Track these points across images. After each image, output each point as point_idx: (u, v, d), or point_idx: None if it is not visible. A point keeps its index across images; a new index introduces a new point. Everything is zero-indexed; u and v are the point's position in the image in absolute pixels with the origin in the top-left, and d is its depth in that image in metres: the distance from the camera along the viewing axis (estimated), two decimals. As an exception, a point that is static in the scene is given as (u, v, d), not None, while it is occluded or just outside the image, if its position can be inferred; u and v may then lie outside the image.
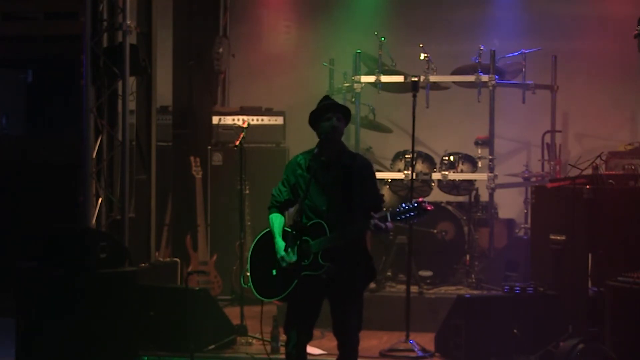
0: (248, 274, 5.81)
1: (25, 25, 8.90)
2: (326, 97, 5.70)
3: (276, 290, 5.60)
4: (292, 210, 5.75)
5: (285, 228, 5.64)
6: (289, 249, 5.46)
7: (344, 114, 5.58)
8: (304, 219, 5.54)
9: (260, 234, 5.78)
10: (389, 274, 8.85)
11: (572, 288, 7.11)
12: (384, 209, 5.45)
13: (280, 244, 5.55)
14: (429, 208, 5.27)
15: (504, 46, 9.44)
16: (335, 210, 5.50)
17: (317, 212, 5.53)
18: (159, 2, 9.03)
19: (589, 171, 7.20)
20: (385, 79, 9.15)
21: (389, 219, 5.32)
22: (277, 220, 5.66)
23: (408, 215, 5.29)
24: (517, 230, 9.89)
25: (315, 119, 5.58)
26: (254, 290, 5.70)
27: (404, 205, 5.32)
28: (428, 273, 8.85)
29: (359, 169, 5.59)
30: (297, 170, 5.65)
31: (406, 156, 8.96)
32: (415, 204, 5.28)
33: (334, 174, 5.55)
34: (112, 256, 6.93)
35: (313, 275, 5.46)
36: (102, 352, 6.72)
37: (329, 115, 5.51)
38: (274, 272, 5.58)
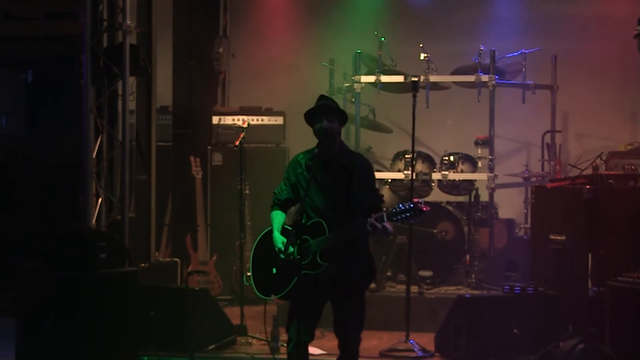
0: (249, 273, 5.82)
1: (25, 25, 8.89)
2: (320, 97, 5.67)
3: (276, 289, 5.60)
4: (293, 209, 5.75)
5: (286, 226, 5.64)
6: (289, 245, 5.45)
7: (335, 114, 5.55)
8: (304, 218, 5.54)
9: (262, 233, 5.79)
10: (389, 274, 8.85)
11: (572, 288, 7.11)
12: (384, 209, 5.44)
13: (278, 237, 5.56)
14: (424, 209, 5.26)
15: (504, 46, 9.44)
16: (335, 210, 5.50)
17: (317, 211, 5.54)
18: (159, 2, 9.03)
19: (589, 171, 7.20)
20: (385, 79, 9.15)
21: (385, 219, 5.32)
22: (277, 217, 5.68)
23: (404, 215, 5.28)
24: (517, 230, 9.88)
25: (309, 121, 5.59)
26: (254, 288, 5.71)
27: (400, 205, 5.31)
28: (428, 273, 8.86)
29: (358, 169, 5.58)
30: (297, 169, 5.66)
31: (406, 156, 8.96)
32: (411, 205, 5.27)
33: (333, 173, 5.55)
34: (112, 256, 6.92)
35: (312, 275, 5.45)
36: (102, 352, 6.71)
37: (319, 118, 5.51)
38: (274, 270, 5.59)
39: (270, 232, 5.68)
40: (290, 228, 5.59)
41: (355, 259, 5.55)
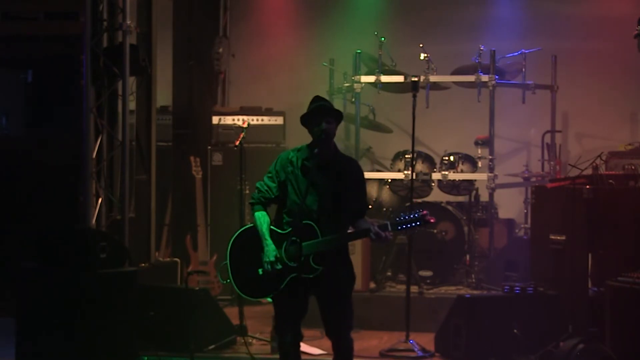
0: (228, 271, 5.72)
1: (25, 25, 8.89)
2: (316, 99, 5.63)
3: (263, 290, 5.54)
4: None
5: (272, 227, 5.53)
6: (278, 255, 5.39)
7: (332, 115, 5.52)
8: (285, 216, 5.49)
9: (240, 230, 5.66)
10: (389, 274, 8.85)
11: (572, 288, 7.11)
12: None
13: (270, 247, 5.44)
14: (432, 220, 5.26)
15: (504, 46, 9.44)
16: (326, 212, 5.46)
17: (307, 212, 5.46)
18: (159, 2, 9.03)
19: (589, 171, 7.20)
20: (385, 79, 9.15)
21: (389, 228, 5.30)
22: (265, 220, 5.53)
23: (410, 225, 5.27)
24: (517, 230, 9.88)
25: (305, 123, 5.57)
26: (236, 288, 5.59)
27: (406, 215, 5.29)
28: (428, 273, 8.85)
29: (355, 174, 5.59)
30: (288, 167, 5.56)
31: (406, 156, 8.96)
32: (417, 215, 5.26)
33: (327, 175, 5.51)
34: (112, 256, 6.92)
35: (303, 277, 5.43)
36: (102, 352, 6.71)
37: (318, 119, 5.48)
38: (260, 271, 5.48)
39: (249, 230, 5.57)
40: (276, 229, 5.52)
41: (343, 260, 5.56)
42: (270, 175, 5.61)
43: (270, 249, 5.43)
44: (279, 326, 5.60)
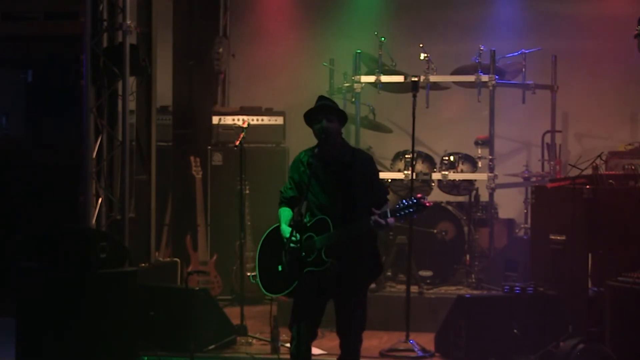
0: (253, 273, 5.81)
1: (25, 25, 8.90)
2: (320, 98, 5.68)
3: (281, 286, 5.59)
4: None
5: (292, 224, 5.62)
6: (294, 233, 5.41)
7: (334, 114, 5.56)
8: (307, 216, 5.55)
9: (268, 231, 5.78)
10: (389, 274, 8.85)
11: (572, 288, 7.11)
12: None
13: (286, 229, 5.54)
14: (427, 204, 5.27)
15: (504, 46, 9.44)
16: (339, 207, 5.50)
17: (322, 209, 5.54)
18: (159, 2, 9.03)
19: (589, 171, 7.20)
20: (385, 79, 9.15)
21: (389, 215, 5.32)
22: (284, 213, 5.68)
23: (407, 211, 5.29)
24: (517, 230, 9.88)
25: (308, 121, 5.61)
26: (260, 286, 5.70)
27: (404, 201, 5.32)
28: (428, 273, 8.86)
29: (360, 165, 5.58)
30: (300, 168, 5.67)
31: (406, 156, 8.96)
32: (414, 200, 5.28)
33: (334, 172, 5.55)
34: (112, 256, 6.92)
35: (316, 272, 5.45)
36: (102, 352, 6.71)
37: (319, 117, 5.53)
38: (280, 268, 5.58)
39: (276, 229, 5.69)
40: (294, 225, 5.58)
41: (360, 256, 5.54)
42: (288, 178, 5.77)
43: (286, 229, 5.53)
44: (292, 323, 5.59)
